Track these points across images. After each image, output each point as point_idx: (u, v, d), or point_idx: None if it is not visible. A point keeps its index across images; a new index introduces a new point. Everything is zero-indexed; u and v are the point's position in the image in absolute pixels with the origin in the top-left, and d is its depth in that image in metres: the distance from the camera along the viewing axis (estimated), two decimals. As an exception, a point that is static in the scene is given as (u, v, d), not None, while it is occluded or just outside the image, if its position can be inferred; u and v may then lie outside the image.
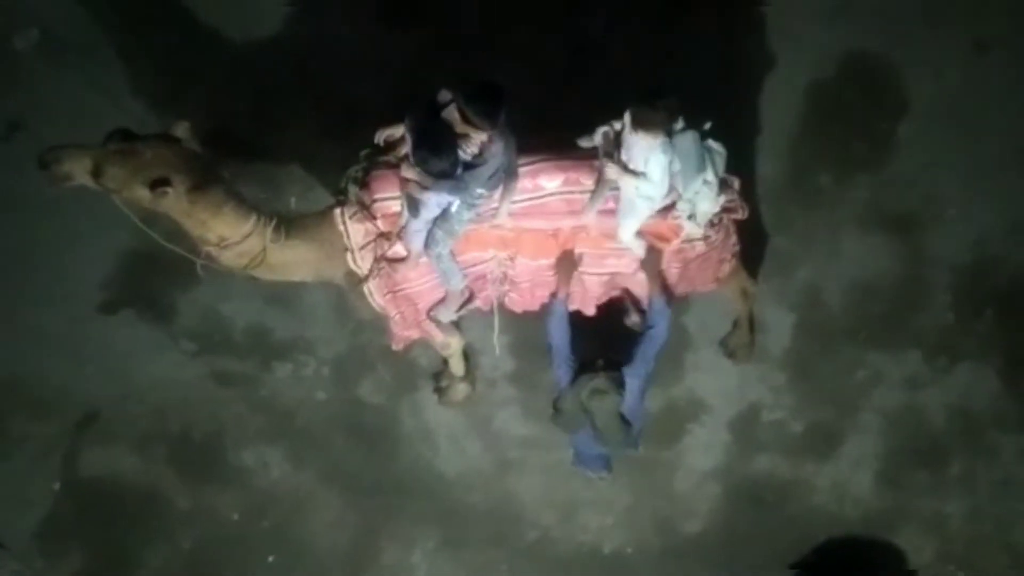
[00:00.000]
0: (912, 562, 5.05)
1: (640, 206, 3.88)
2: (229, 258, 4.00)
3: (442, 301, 4.28)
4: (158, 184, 3.60)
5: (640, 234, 4.03)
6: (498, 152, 3.75)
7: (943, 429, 5.14)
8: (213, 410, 5.20)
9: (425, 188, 3.79)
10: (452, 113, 3.68)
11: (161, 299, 5.29)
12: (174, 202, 3.69)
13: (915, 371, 5.21)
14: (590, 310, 4.49)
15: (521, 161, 3.92)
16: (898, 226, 5.38)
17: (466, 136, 3.72)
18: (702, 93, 5.09)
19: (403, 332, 4.46)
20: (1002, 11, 5.60)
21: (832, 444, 5.17)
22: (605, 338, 4.54)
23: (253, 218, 3.93)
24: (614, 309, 4.70)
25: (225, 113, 5.30)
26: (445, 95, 3.70)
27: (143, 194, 3.63)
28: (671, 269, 4.25)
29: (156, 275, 5.22)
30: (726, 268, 4.51)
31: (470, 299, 4.30)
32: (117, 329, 5.27)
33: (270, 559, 5.08)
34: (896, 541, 5.08)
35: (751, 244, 4.78)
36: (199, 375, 5.24)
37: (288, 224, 4.07)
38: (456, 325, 4.53)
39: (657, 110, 3.69)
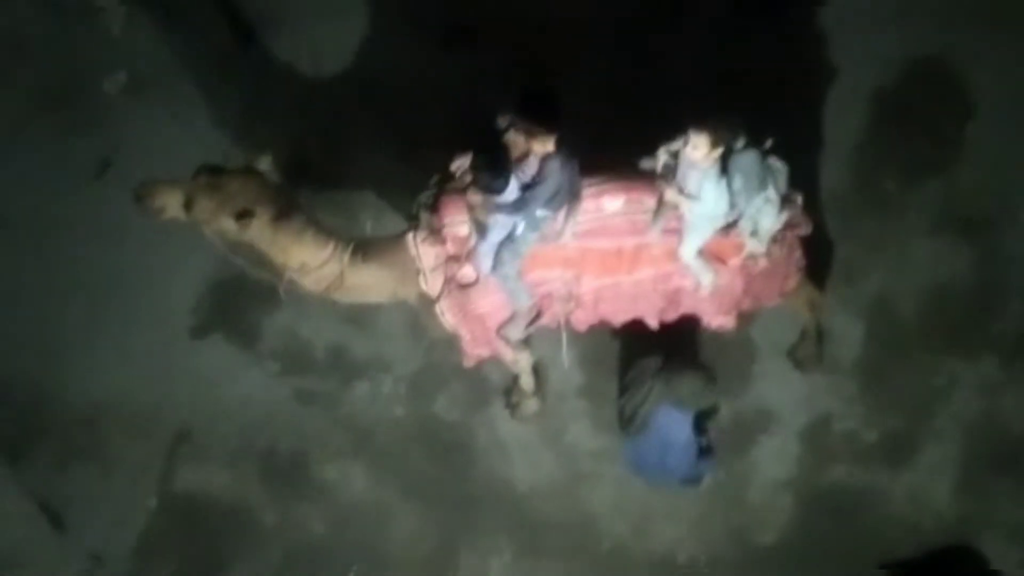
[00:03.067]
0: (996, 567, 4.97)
1: (701, 225, 3.98)
2: (309, 282, 4.24)
3: (511, 319, 4.42)
4: (243, 215, 3.85)
5: (702, 253, 4.12)
6: (557, 172, 3.89)
7: (1023, 435, 5.06)
8: (297, 428, 5.41)
9: (490, 211, 3.97)
10: (511, 136, 3.84)
11: (247, 322, 5.56)
12: (258, 231, 3.93)
13: (992, 376, 5.14)
14: (653, 322, 4.57)
15: (584, 182, 4.06)
16: (969, 229, 5.34)
17: (524, 159, 3.88)
18: (763, 106, 5.20)
19: (474, 350, 4.61)
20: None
21: (908, 452, 5.12)
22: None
23: (331, 244, 4.16)
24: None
25: (300, 144, 5.57)
26: (502, 121, 3.87)
27: (229, 224, 3.87)
28: (736, 285, 4.31)
29: (242, 300, 5.51)
30: (791, 282, 4.54)
31: (537, 317, 4.43)
32: (206, 352, 5.55)
33: (353, 570, 5.25)
34: (978, 548, 5.00)
35: (817, 254, 4.80)
36: (283, 394, 5.47)
37: (364, 249, 4.29)
38: (525, 342, 4.66)
39: (715, 130, 3.77)
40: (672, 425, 4.36)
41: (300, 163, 5.28)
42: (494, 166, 3.89)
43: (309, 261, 4.13)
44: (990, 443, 5.09)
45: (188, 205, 3.84)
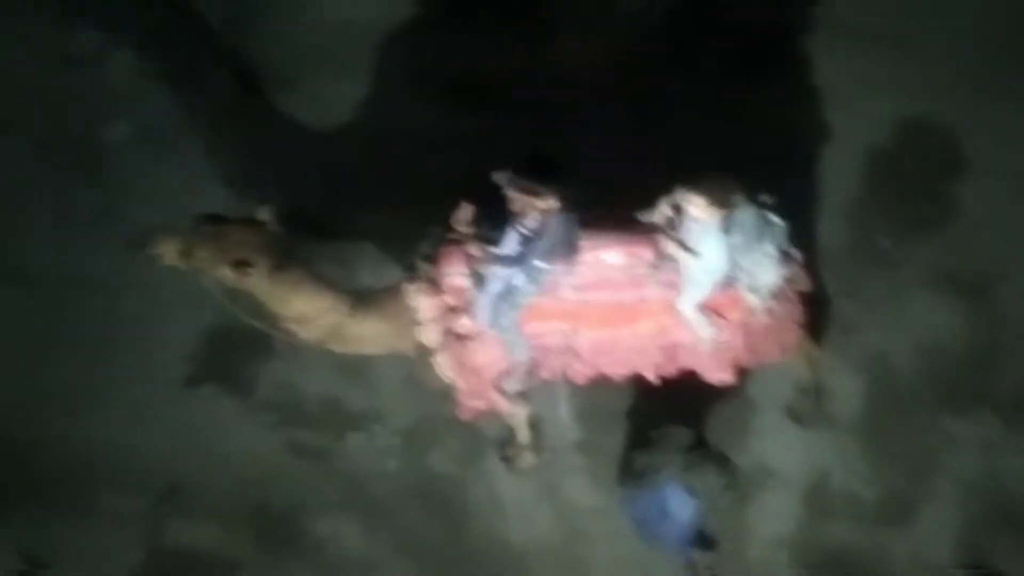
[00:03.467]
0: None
1: (700, 280, 3.99)
2: (307, 333, 4.24)
3: (508, 371, 4.41)
4: (242, 264, 3.86)
5: (701, 308, 4.12)
6: (557, 227, 3.92)
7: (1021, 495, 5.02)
8: (291, 481, 5.33)
9: (490, 264, 3.98)
10: (511, 192, 3.87)
11: (242, 373, 5.50)
12: (257, 281, 3.94)
13: (991, 435, 5.12)
14: (652, 376, 4.54)
15: (583, 236, 4.08)
16: (965, 287, 5.38)
17: (525, 213, 3.90)
18: (762, 164, 5.27)
19: (471, 403, 4.58)
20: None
21: (908, 512, 5.07)
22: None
23: (330, 295, 4.16)
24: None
25: (302, 196, 5.60)
26: (501, 177, 3.91)
27: (228, 273, 3.89)
28: (735, 340, 4.31)
29: (237, 350, 5.46)
30: (791, 338, 4.54)
31: (535, 369, 4.41)
32: (200, 403, 5.48)
33: (344, 628, 5.16)
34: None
35: (816, 310, 4.81)
36: (278, 447, 5.39)
37: (362, 300, 4.30)
38: (523, 395, 4.64)
39: (707, 190, 3.81)
40: (677, 502, 4.35)
41: (301, 215, 5.25)
42: (495, 219, 3.91)
43: (307, 311, 4.13)
44: (990, 503, 5.04)
45: (187, 253, 3.85)
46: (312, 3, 6.27)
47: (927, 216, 5.50)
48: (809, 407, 5.13)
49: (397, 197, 5.55)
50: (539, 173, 3.80)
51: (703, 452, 4.34)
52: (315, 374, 5.45)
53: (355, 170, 5.74)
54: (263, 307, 4.11)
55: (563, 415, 4.63)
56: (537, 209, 3.89)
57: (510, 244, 4.00)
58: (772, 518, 5.10)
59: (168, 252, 3.88)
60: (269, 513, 5.29)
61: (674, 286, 4.10)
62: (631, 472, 4.46)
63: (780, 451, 5.18)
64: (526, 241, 3.96)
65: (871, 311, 5.35)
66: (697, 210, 3.82)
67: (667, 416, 4.57)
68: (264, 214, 3.99)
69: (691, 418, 4.85)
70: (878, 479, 5.14)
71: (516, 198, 3.91)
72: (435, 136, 5.75)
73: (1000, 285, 5.36)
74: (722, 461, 4.41)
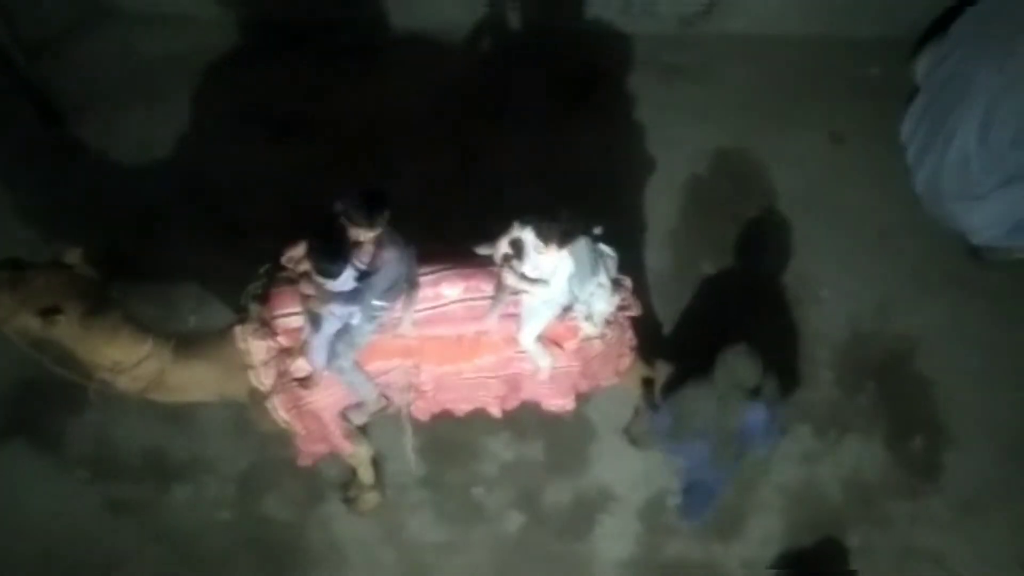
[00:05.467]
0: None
1: (539, 311, 4.01)
2: (124, 382, 3.92)
3: (356, 406, 4.27)
4: (49, 312, 3.53)
5: (540, 338, 4.14)
6: (392, 261, 3.83)
7: (840, 501, 5.30)
8: (108, 543, 4.94)
9: (325, 302, 3.82)
10: (342, 222, 3.74)
11: (51, 426, 5.09)
12: (66, 329, 3.63)
13: (808, 446, 5.40)
14: (495, 410, 4.55)
15: (421, 271, 4.01)
16: (778, 306, 5.69)
17: (359, 245, 3.79)
18: (588, 196, 5.40)
19: (310, 447, 4.41)
20: (852, 106, 6.16)
21: (737, 524, 5.27)
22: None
23: (150, 340, 3.88)
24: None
25: (114, 235, 5.22)
26: (338, 206, 3.78)
27: (33, 323, 3.55)
28: (573, 367, 4.36)
29: (45, 402, 5.05)
30: (625, 362, 4.66)
31: (383, 404, 4.29)
32: (5, 460, 5.02)
33: None
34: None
35: (645, 334, 4.93)
36: (93, 505, 5.00)
37: (186, 344, 4.03)
38: (363, 432, 4.49)
39: (539, 225, 3.83)
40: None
41: (114, 255, 4.91)
42: (329, 255, 3.76)
43: (123, 360, 3.84)
44: (811, 511, 5.29)
45: (-17, 302, 3.47)
46: (124, 32, 5.89)
47: (737, 242, 5.79)
48: (644, 428, 5.24)
49: (219, 234, 5.28)
50: (367, 206, 3.68)
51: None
52: (134, 424, 5.10)
53: (173, 207, 5.42)
54: (74, 356, 3.78)
55: (407, 451, 4.49)
56: (367, 240, 3.77)
57: (346, 280, 3.85)
58: (614, 540, 5.17)
59: (-38, 301, 3.48)
60: (85, 579, 4.86)
61: (513, 318, 4.10)
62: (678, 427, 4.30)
63: (619, 473, 5.28)
64: (362, 276, 3.84)
65: (696, 333, 5.53)
66: (549, 246, 3.82)
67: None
68: (71, 256, 3.69)
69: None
70: (708, 494, 5.31)
71: (349, 230, 3.77)
72: (260, 171, 5.54)
73: (807, 305, 5.70)
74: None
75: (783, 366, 5.52)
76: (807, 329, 5.64)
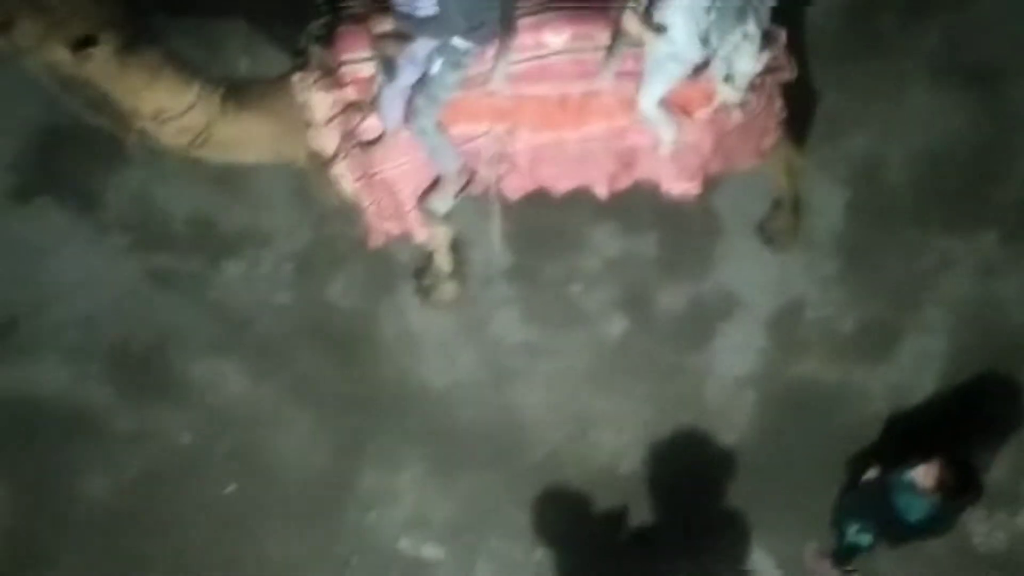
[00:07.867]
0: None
1: (666, 67, 3.91)
2: (168, 134, 4.05)
3: (436, 187, 4.32)
4: (82, 43, 3.59)
5: (665, 103, 4.06)
6: None
7: (1020, 324, 5.29)
8: (154, 316, 5.30)
9: (405, 38, 3.79)
10: None
11: (85, 184, 5.34)
12: (101, 65, 3.70)
13: (990, 256, 5.35)
14: (603, 190, 4.56)
15: (519, 10, 3.91)
16: (976, 79, 5.46)
17: None
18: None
19: (380, 225, 4.52)
20: None
21: (889, 344, 5.33)
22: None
23: (196, 86, 3.96)
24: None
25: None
26: None
27: (63, 55, 3.62)
28: (703, 143, 4.29)
29: (77, 154, 5.28)
30: (769, 140, 4.57)
31: (469, 183, 4.33)
32: (31, 220, 5.34)
33: (229, 488, 5.25)
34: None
35: (798, 107, 4.79)
36: (134, 274, 5.33)
37: (238, 93, 4.10)
38: (445, 213, 4.60)
39: None
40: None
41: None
42: None
43: (167, 107, 3.94)
44: (983, 333, 5.31)
45: (6, 27, 3.55)
46: None
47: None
48: (784, 225, 5.24)
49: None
50: None
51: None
52: (180, 187, 5.31)
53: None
54: (110, 100, 3.88)
55: (494, 236, 4.60)
56: None
57: (426, 4, 3.74)
58: (735, 354, 5.32)
59: (-23, 26, 3.58)
60: (129, 354, 5.29)
61: (632, 76, 4.01)
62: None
63: (748, 277, 5.34)
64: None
65: (862, 107, 5.43)
66: None
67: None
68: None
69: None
70: (857, 307, 5.36)
71: None
72: None
73: (1010, 77, 5.46)
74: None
75: (965, 157, 5.34)
76: (1009, 107, 5.45)
